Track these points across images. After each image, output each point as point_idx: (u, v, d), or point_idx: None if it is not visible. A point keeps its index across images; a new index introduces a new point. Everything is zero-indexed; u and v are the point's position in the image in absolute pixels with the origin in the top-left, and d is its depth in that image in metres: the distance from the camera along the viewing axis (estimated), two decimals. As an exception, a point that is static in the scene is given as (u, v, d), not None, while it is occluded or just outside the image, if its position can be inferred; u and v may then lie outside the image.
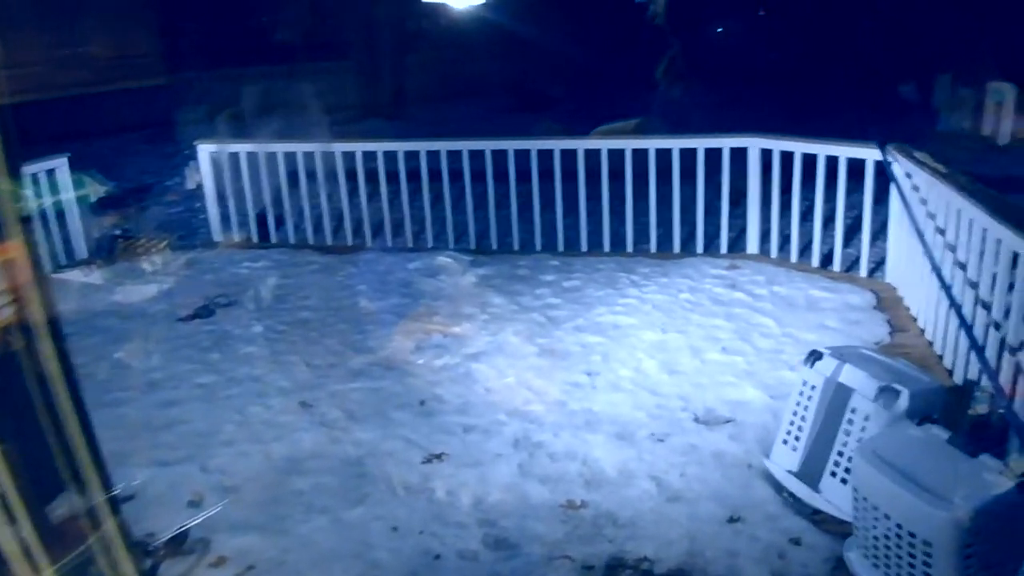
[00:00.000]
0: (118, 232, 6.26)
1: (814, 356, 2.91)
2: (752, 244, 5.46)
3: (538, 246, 5.83)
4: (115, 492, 1.37)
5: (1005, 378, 2.96)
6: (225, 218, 6.47)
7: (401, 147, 5.98)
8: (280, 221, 6.41)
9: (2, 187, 1.26)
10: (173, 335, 4.61)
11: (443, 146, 5.88)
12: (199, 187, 6.61)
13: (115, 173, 8.04)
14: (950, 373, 3.57)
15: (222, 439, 3.45)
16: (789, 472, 2.90)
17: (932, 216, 3.85)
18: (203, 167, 6.42)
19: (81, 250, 6.07)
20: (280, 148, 6.22)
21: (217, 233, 6.52)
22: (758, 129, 5.31)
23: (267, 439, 3.44)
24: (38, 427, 1.30)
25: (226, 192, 6.33)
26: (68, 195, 5.82)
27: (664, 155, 5.40)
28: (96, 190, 6.28)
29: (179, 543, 2.73)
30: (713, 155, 5.32)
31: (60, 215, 5.91)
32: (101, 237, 6.12)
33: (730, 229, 5.45)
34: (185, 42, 11.19)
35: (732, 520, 2.78)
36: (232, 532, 2.82)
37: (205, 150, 6.41)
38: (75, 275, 5.67)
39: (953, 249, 3.55)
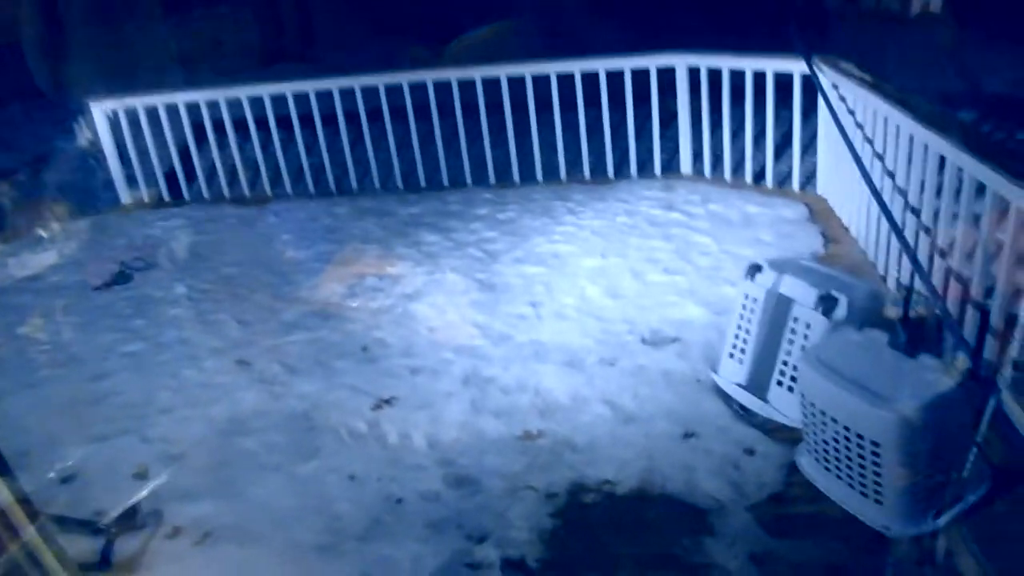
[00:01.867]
0: (5, 202, 5.81)
1: (754, 269, 2.95)
2: (685, 164, 5.46)
3: (469, 181, 5.70)
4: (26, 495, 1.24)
5: (937, 281, 3.07)
6: (131, 178, 6.07)
7: (313, 87, 5.67)
8: (191, 176, 6.06)
9: None
10: (91, 305, 4.34)
11: (356, 82, 5.61)
12: (93, 146, 6.17)
13: (9, 144, 7.44)
14: (884, 279, 3.68)
15: (159, 407, 3.29)
16: (737, 385, 2.96)
17: (860, 126, 3.90)
18: (100, 126, 5.97)
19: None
20: (181, 98, 5.82)
21: (124, 194, 6.12)
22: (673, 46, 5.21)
23: (206, 402, 3.30)
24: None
25: (128, 150, 5.92)
26: None
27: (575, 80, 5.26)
28: None
29: (130, 518, 2.62)
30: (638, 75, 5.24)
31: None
32: None
33: (662, 151, 5.43)
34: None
35: (686, 436, 2.83)
36: (184, 501, 2.71)
37: (99, 108, 5.95)
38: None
39: (881, 157, 3.62)
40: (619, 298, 3.86)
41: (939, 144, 3.01)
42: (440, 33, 8.50)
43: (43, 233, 5.45)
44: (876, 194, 3.38)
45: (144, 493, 2.74)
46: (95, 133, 6.01)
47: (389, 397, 3.22)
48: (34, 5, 8.61)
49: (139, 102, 5.87)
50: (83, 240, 5.38)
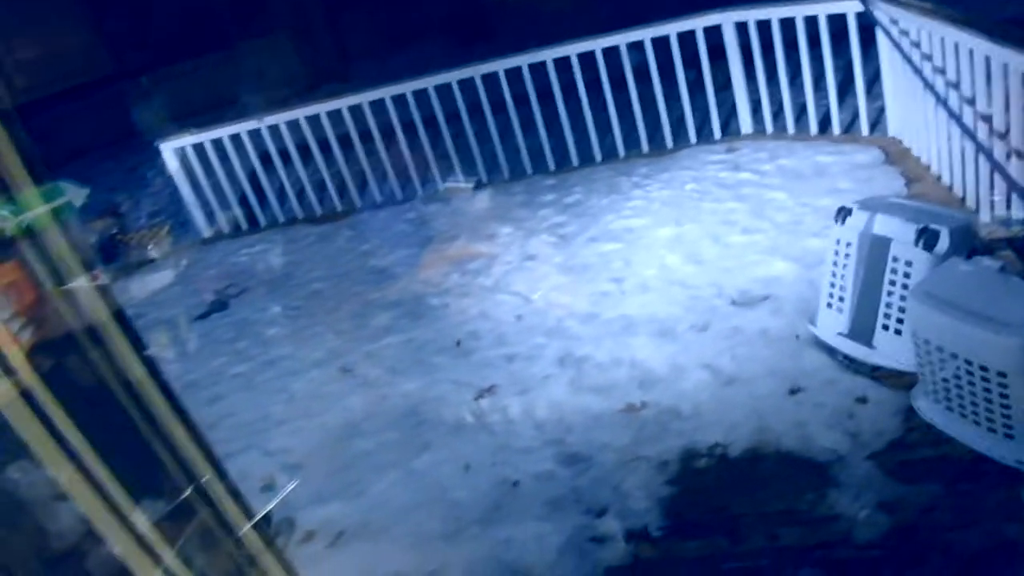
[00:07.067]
0: (115, 231, 6.13)
1: (844, 212, 2.88)
2: (745, 123, 5.36)
3: (529, 170, 5.73)
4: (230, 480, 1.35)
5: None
6: (208, 211, 6.33)
7: (364, 98, 5.79)
8: (263, 202, 6.28)
9: None
10: (195, 334, 4.57)
11: (407, 88, 5.70)
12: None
13: (107, 185, 7.86)
14: (976, 211, 3.55)
15: (274, 421, 3.46)
16: (839, 334, 2.90)
17: (928, 57, 3.76)
18: (171, 165, 6.25)
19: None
20: (243, 128, 6.03)
21: (204, 228, 6.38)
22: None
23: (318, 411, 3.44)
24: (131, 432, 1.26)
25: (201, 185, 6.18)
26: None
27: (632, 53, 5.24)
28: (77, 195, 6.08)
29: (264, 529, 2.75)
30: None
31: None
32: (100, 241, 5.96)
33: (719, 113, 5.35)
34: (118, 43, 10.71)
35: (793, 392, 2.81)
36: (312, 506, 2.85)
37: (169, 148, 6.22)
38: (83, 284, 5.56)
39: (956, 86, 3.49)
40: (701, 263, 3.84)
41: (1020, 60, 2.89)
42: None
43: (154, 254, 5.70)
44: (959, 123, 3.27)
45: (274, 504, 2.87)
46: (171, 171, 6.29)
47: (489, 386, 3.30)
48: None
49: (204, 137, 6.11)
50: (190, 261, 5.66)
